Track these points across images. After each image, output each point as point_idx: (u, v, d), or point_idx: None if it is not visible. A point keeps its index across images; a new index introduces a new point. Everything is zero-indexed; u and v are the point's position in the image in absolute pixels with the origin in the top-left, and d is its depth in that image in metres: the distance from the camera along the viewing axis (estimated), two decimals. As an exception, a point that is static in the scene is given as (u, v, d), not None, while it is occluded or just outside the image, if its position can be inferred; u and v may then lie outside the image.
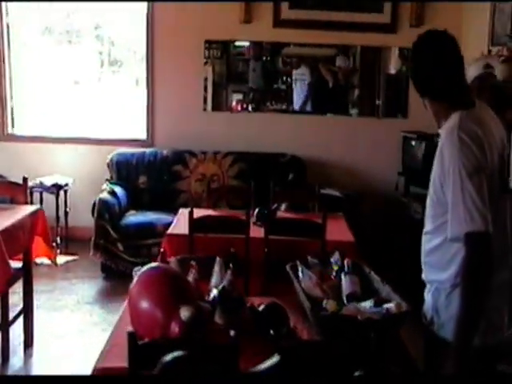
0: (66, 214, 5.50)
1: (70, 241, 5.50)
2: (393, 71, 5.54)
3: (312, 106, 5.62)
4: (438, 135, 2.16)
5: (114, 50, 5.68)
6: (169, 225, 4.69)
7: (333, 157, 5.57)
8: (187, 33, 5.41)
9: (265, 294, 3.21)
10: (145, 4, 5.40)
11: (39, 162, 5.57)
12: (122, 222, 5.02)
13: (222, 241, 3.66)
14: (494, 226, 1.90)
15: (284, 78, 5.49)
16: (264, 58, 5.46)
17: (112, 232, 4.96)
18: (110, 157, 5.39)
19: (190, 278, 2.46)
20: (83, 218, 5.36)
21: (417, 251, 2.25)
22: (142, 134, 5.66)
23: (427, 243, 2.13)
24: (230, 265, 2.55)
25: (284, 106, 5.53)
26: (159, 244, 4.86)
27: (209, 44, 5.43)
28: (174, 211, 4.99)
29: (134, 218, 5.10)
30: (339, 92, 5.56)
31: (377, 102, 5.57)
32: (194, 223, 3.66)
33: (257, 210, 4.01)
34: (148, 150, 5.47)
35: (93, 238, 4.94)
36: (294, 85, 5.56)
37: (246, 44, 5.43)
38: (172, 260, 2.79)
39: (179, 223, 4.04)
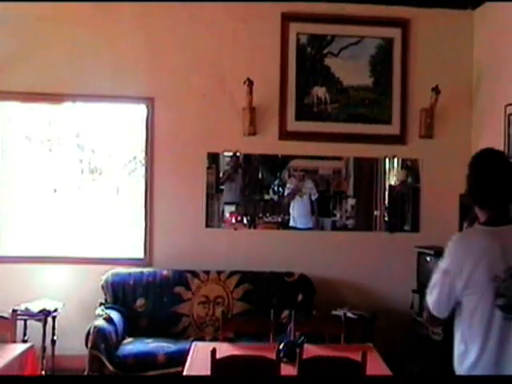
0: (54, 342, 5.03)
1: (56, 373, 5.05)
2: (397, 182, 5.49)
3: (316, 221, 5.51)
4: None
5: (94, 158, 5.62)
6: (171, 354, 4.58)
7: (341, 274, 5.42)
8: (189, 145, 5.33)
9: None
10: (141, 115, 5.34)
11: (25, 285, 5.20)
12: (118, 352, 4.61)
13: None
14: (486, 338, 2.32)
15: (276, 189, 5.43)
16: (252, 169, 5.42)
17: (108, 364, 4.53)
18: (104, 278, 5.07)
19: None
20: (72, 347, 4.97)
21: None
22: (138, 253, 5.39)
23: None
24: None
25: (279, 219, 5.42)
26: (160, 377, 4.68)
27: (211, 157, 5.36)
28: (175, 337, 4.90)
29: (131, 346, 4.70)
30: (340, 206, 5.48)
31: (383, 215, 5.49)
32: (216, 364, 3.40)
33: (281, 344, 3.76)
34: (146, 270, 5.18)
35: (86, 373, 4.55)
36: (297, 198, 5.45)
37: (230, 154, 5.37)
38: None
39: (195, 362, 3.70)
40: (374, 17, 5.36)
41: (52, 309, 5.01)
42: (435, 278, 2.51)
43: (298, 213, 5.49)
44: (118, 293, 5.09)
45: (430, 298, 2.55)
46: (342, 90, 5.37)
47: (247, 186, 5.44)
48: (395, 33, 5.36)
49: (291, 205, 5.46)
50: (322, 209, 5.52)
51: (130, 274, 5.15)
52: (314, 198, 5.48)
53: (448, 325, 4.50)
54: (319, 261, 5.40)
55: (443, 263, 2.48)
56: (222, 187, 5.42)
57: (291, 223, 5.47)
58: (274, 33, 5.33)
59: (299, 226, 5.47)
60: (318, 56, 5.37)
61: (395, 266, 5.40)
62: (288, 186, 5.43)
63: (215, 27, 5.32)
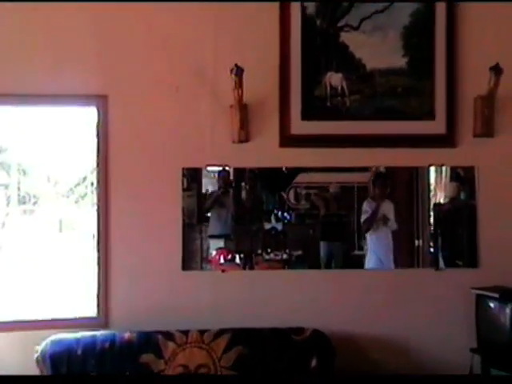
0: None
1: None
2: (445, 200, 4.81)
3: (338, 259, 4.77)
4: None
5: (25, 182, 4.87)
6: None
7: (371, 329, 4.65)
8: (158, 159, 4.58)
9: None
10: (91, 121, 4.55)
11: None
12: None
13: None
14: None
15: (279, 215, 4.76)
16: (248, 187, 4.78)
17: None
18: (40, 348, 4.18)
19: None
20: None
21: None
22: (90, 310, 4.60)
23: None
24: None
25: (285, 256, 4.72)
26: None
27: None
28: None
29: None
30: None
31: (427, 245, 4.76)
32: None
33: None
34: (100, 334, 4.34)
35: None
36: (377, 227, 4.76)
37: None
38: None
39: None
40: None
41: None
42: None
43: (379, 248, 4.78)
44: (61, 368, 4.20)
45: None
46: (365, 76, 4.65)
47: (240, 212, 4.75)
48: (438, -8, 4.72)
49: (368, 236, 4.76)
50: (342, 239, 4.77)
51: (77, 340, 4.27)
52: (394, 227, 4.75)
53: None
54: (340, 311, 4.66)
55: None
56: (206, 215, 4.69)
57: (370, 263, 4.72)
58: (270, 2, 4.60)
59: (380, 266, 4.73)
60: (331, 30, 4.65)
61: (446, 316, 4.67)
62: (365, 208, 4.74)
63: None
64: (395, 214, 4.80)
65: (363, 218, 4.81)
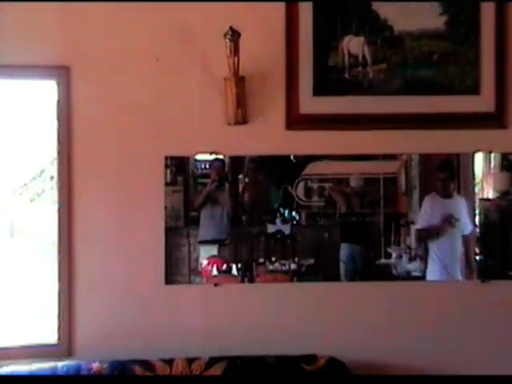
0: None
1: None
2: (494, 195, 4.28)
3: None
4: None
5: None
6: None
7: (400, 357, 4.14)
8: (134, 145, 4.06)
9: None
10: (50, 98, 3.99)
11: None
12: None
13: None
14: None
15: (286, 214, 4.29)
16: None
17: None
18: None
19: None
20: None
21: None
22: (49, 336, 4.08)
23: None
24: None
25: (293, 265, 4.22)
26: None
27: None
28: None
29: None
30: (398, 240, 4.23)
31: (473, 252, 4.24)
32: None
33: None
34: (62, 364, 3.81)
35: None
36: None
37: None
38: None
39: None
40: None
41: None
42: None
43: (446, 254, 4.27)
44: (12, 408, 3.76)
45: None
46: (392, 41, 4.13)
47: (238, 211, 4.28)
48: None
49: (431, 243, 4.30)
50: (365, 244, 4.23)
51: (33, 373, 3.74)
52: (467, 231, 4.23)
53: None
54: (361, 334, 4.18)
55: None
56: (195, 215, 4.20)
57: (432, 273, 4.22)
58: None
59: (445, 277, 4.22)
60: (349, -15, 4.29)
61: (496, 340, 4.19)
62: (425, 207, 4.23)
63: None
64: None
65: (423, 220, 4.27)
